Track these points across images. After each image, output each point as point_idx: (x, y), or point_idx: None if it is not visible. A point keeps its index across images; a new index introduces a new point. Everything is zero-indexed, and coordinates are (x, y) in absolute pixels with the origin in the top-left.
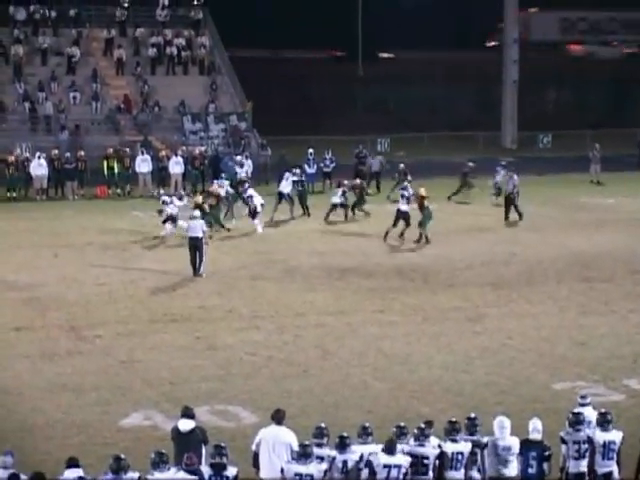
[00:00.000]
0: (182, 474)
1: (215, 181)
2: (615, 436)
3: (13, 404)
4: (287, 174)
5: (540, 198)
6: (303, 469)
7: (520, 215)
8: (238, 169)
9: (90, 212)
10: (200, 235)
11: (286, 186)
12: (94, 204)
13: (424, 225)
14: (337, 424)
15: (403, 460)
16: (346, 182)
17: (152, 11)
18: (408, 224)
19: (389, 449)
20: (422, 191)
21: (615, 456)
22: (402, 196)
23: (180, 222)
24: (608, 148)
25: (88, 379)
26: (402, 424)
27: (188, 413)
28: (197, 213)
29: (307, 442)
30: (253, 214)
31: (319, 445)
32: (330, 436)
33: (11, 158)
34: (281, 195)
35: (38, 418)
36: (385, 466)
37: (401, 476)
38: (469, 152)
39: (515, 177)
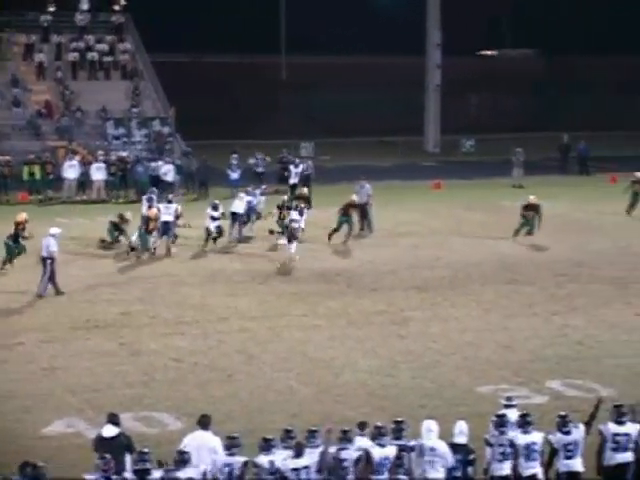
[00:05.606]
0: None
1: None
2: (536, 437)
3: None
4: (241, 194)
5: (464, 202)
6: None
7: (370, 226)
8: (164, 176)
9: (12, 219)
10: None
11: (239, 206)
12: (16, 210)
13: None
14: (262, 428)
15: (310, 461)
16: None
17: (74, 16)
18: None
19: (298, 452)
20: (354, 197)
21: (538, 457)
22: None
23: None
24: (531, 152)
25: (8, 387)
26: (314, 428)
27: (114, 420)
28: (54, 230)
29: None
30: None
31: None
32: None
33: None
34: (235, 215)
35: None
36: (294, 469)
37: (312, 475)
38: (392, 157)
39: (367, 186)
